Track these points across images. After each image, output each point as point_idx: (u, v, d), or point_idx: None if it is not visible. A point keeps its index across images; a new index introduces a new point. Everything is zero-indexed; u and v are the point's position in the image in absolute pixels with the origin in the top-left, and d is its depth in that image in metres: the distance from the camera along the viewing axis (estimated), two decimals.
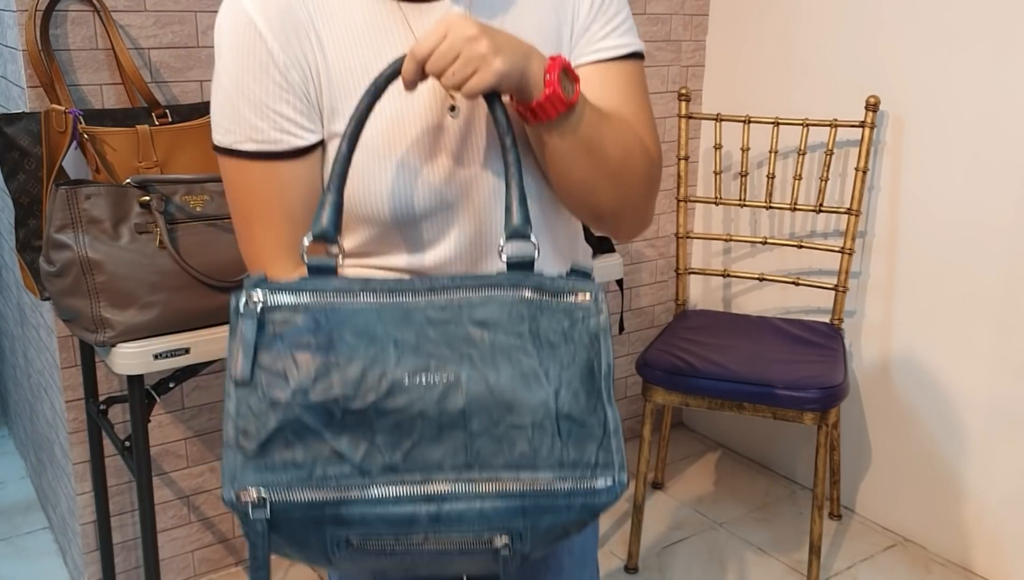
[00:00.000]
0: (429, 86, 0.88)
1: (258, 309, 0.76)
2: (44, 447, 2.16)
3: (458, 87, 0.78)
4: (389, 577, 0.89)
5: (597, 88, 0.93)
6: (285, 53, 0.86)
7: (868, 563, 2.21)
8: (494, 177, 0.90)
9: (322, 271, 0.80)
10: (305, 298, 0.77)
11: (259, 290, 0.77)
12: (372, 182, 0.88)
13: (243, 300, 0.76)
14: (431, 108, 0.88)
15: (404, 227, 0.90)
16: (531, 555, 0.78)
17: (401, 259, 0.92)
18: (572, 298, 0.80)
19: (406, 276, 0.90)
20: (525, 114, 0.84)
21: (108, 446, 1.80)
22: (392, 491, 0.74)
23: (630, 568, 2.15)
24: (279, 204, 0.89)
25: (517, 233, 0.81)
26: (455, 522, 0.75)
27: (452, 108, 0.89)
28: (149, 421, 1.55)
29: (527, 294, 0.79)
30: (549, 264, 0.97)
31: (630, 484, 2.49)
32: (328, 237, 0.80)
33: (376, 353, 0.75)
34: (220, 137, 0.89)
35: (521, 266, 0.81)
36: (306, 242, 0.80)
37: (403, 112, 0.88)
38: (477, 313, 0.77)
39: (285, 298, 0.77)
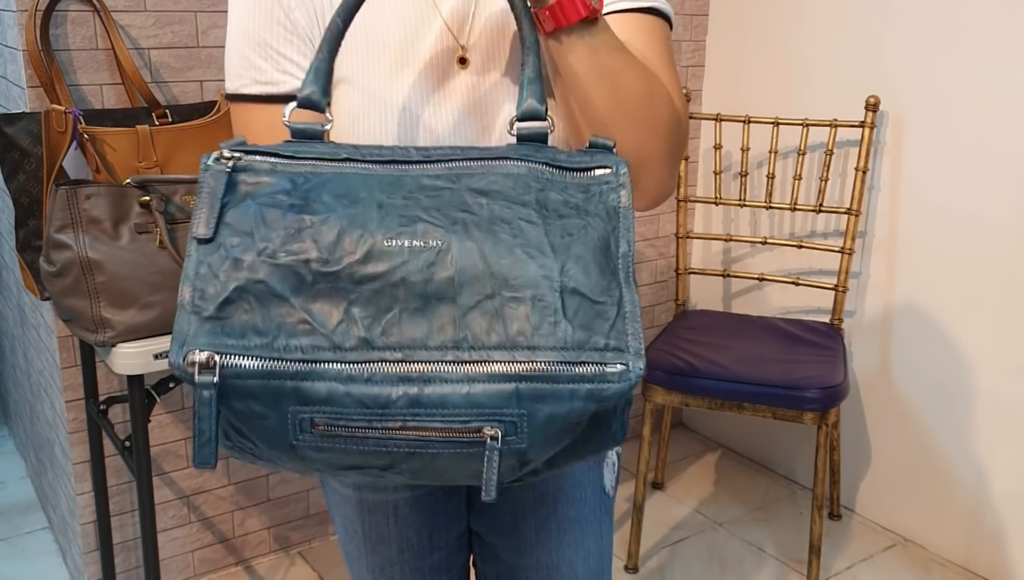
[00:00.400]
0: (437, 35, 0.85)
1: (229, 165, 0.69)
2: (44, 447, 2.16)
3: None
4: (376, 484, 0.78)
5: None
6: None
7: (868, 563, 2.21)
8: (503, 136, 0.85)
9: (307, 136, 0.72)
10: (283, 160, 0.70)
11: (233, 148, 0.70)
12: (371, 127, 0.85)
13: (215, 155, 0.69)
14: (439, 58, 0.86)
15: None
16: (528, 459, 0.68)
17: None
18: (589, 173, 0.70)
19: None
20: (542, 16, 0.76)
21: (108, 446, 1.80)
22: (366, 369, 0.64)
23: (630, 568, 2.14)
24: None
25: (530, 112, 0.74)
26: (437, 406, 0.64)
27: (462, 60, 0.85)
28: (149, 421, 1.55)
29: (536, 165, 0.70)
30: None
31: (631, 484, 2.49)
32: (315, 104, 0.73)
33: (356, 214, 0.66)
34: (228, 84, 0.88)
35: (532, 140, 0.73)
36: (289, 108, 0.74)
37: (407, 58, 0.85)
38: (477, 181, 0.69)
39: (261, 158, 0.70)
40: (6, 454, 2.67)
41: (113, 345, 1.40)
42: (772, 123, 2.27)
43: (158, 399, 1.56)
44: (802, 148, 2.25)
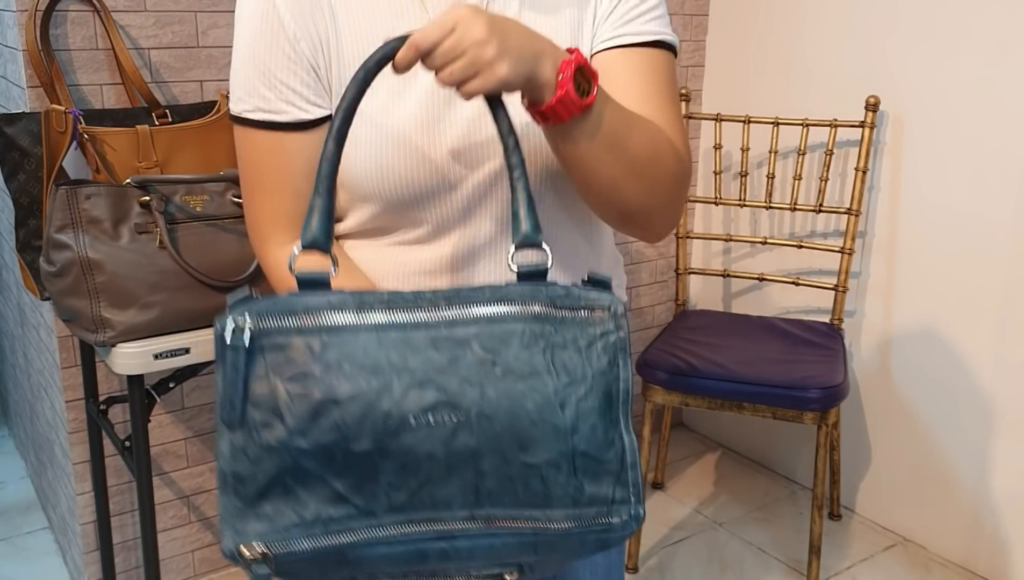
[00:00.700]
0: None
1: (246, 339, 0.68)
2: (44, 447, 2.16)
3: (456, 87, 0.73)
4: None
5: (617, 76, 0.88)
6: (296, 24, 0.86)
7: (868, 563, 2.21)
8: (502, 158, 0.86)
9: (314, 285, 0.72)
10: (297, 321, 0.69)
11: (246, 314, 0.69)
12: (371, 154, 0.87)
13: (230, 326, 0.68)
14: (443, 94, 0.86)
15: (404, 206, 0.88)
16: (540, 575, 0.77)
17: (402, 238, 0.90)
18: (589, 313, 0.73)
19: (406, 268, 0.89)
20: (536, 117, 0.79)
21: (108, 446, 1.80)
22: (399, 531, 0.70)
23: (630, 568, 2.14)
24: (282, 175, 0.88)
25: (527, 241, 0.76)
26: (465, 557, 0.71)
27: None
28: (149, 421, 1.54)
29: (539, 309, 0.72)
30: (561, 272, 0.93)
31: None
32: (320, 245, 0.73)
33: (379, 388, 0.68)
34: (233, 105, 0.90)
35: (533, 276, 0.75)
36: (295, 252, 0.73)
37: (406, 83, 0.86)
38: (486, 335, 0.70)
39: (275, 322, 0.69)
40: (6, 454, 2.67)
41: (113, 345, 1.40)
42: (772, 123, 2.27)
43: (158, 399, 1.56)
44: (802, 148, 2.24)
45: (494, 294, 0.72)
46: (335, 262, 0.75)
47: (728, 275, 2.40)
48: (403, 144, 0.86)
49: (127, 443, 1.60)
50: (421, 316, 0.71)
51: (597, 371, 0.72)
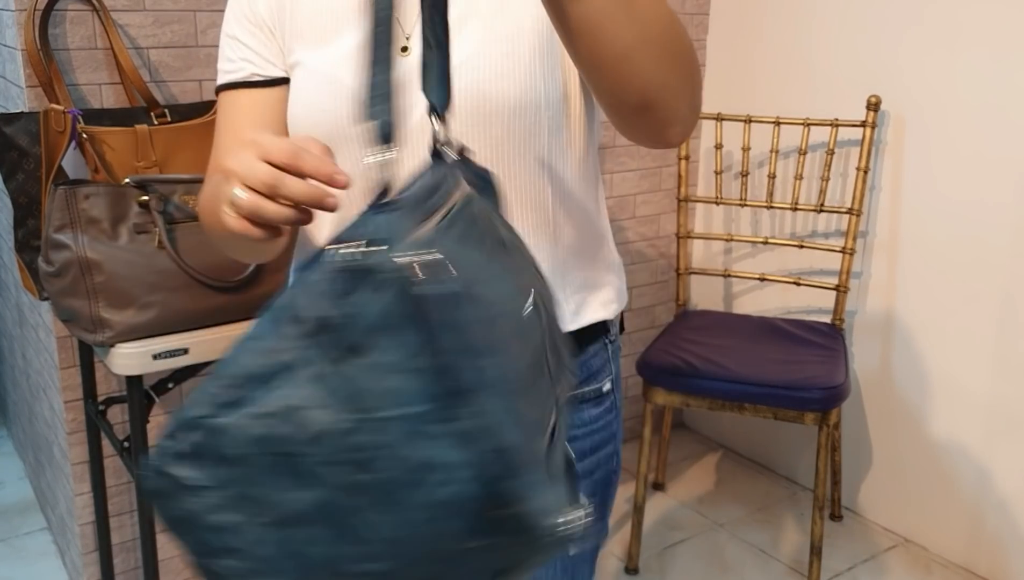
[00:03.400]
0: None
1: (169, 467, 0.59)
2: (43, 448, 2.16)
3: None
4: None
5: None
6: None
7: (869, 564, 2.20)
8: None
9: None
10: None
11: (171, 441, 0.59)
12: (304, 98, 0.89)
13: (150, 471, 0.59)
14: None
15: (335, 147, 0.85)
16: None
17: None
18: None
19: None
20: None
21: (107, 446, 1.80)
22: None
23: (630, 569, 2.14)
24: (237, 132, 0.91)
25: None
26: None
27: (404, 48, 0.86)
28: (148, 421, 1.54)
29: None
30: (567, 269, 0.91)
31: (631, 485, 2.49)
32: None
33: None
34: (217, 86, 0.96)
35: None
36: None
37: (355, 44, 0.86)
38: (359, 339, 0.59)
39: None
40: (5, 455, 2.66)
41: (112, 345, 1.40)
42: (773, 123, 2.26)
43: (157, 399, 1.55)
44: (803, 148, 2.24)
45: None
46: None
47: (729, 275, 2.40)
48: (335, 83, 0.87)
49: (126, 443, 1.60)
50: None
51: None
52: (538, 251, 0.83)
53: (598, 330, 0.94)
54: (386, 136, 0.62)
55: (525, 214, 0.87)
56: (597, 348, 0.94)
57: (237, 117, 0.92)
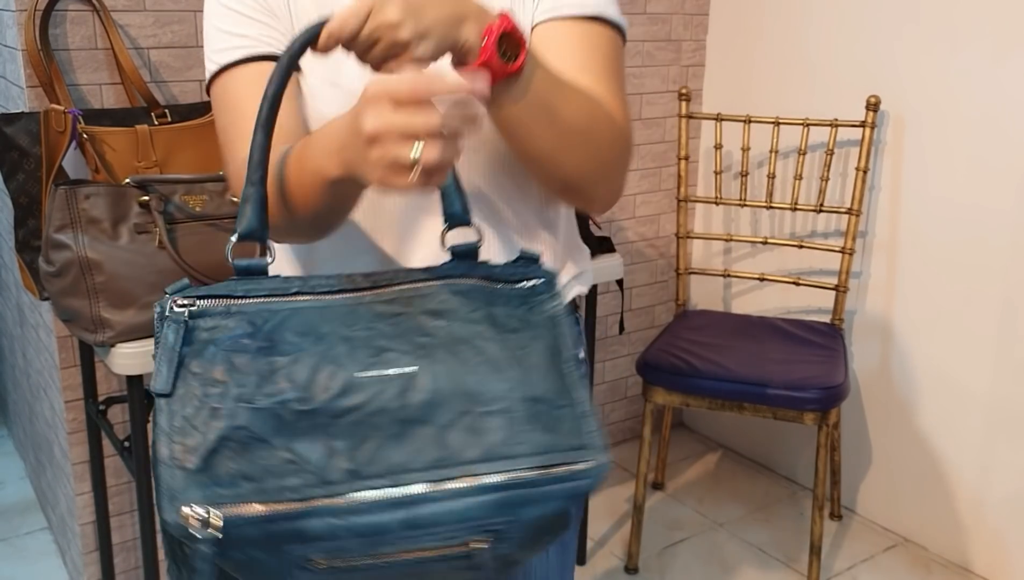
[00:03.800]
0: None
1: (184, 314, 0.69)
2: (43, 447, 2.16)
3: (377, 68, 0.72)
4: None
5: (556, 46, 0.88)
6: None
7: (869, 563, 2.21)
8: None
9: (252, 273, 0.73)
10: (242, 302, 0.70)
11: (183, 296, 0.70)
12: (317, 108, 0.88)
13: (167, 305, 0.69)
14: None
15: None
16: (513, 559, 0.72)
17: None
18: (525, 283, 0.76)
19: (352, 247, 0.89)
20: None
21: (107, 446, 1.80)
22: (359, 497, 0.65)
23: (630, 568, 2.14)
24: (254, 111, 0.86)
25: (457, 220, 0.77)
26: (431, 526, 0.67)
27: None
28: (149, 421, 1.54)
29: (475, 282, 0.74)
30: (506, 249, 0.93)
31: (631, 484, 2.49)
32: (256, 235, 0.74)
33: (324, 350, 0.69)
34: (209, 68, 0.90)
35: (466, 255, 0.77)
36: (232, 240, 0.74)
37: (357, 67, 0.85)
38: (429, 303, 0.72)
39: (214, 303, 0.70)
40: (5, 454, 2.66)
41: (112, 345, 1.40)
42: (773, 123, 2.27)
43: None
44: (803, 148, 2.24)
45: (434, 272, 0.74)
46: (271, 251, 0.76)
47: (728, 275, 2.40)
48: (351, 97, 0.85)
49: (126, 443, 1.60)
50: (365, 294, 0.72)
51: (540, 330, 0.73)
52: (514, 215, 0.92)
53: (570, 307, 1.01)
54: None
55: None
56: (572, 321, 0.99)
57: (256, 95, 0.83)
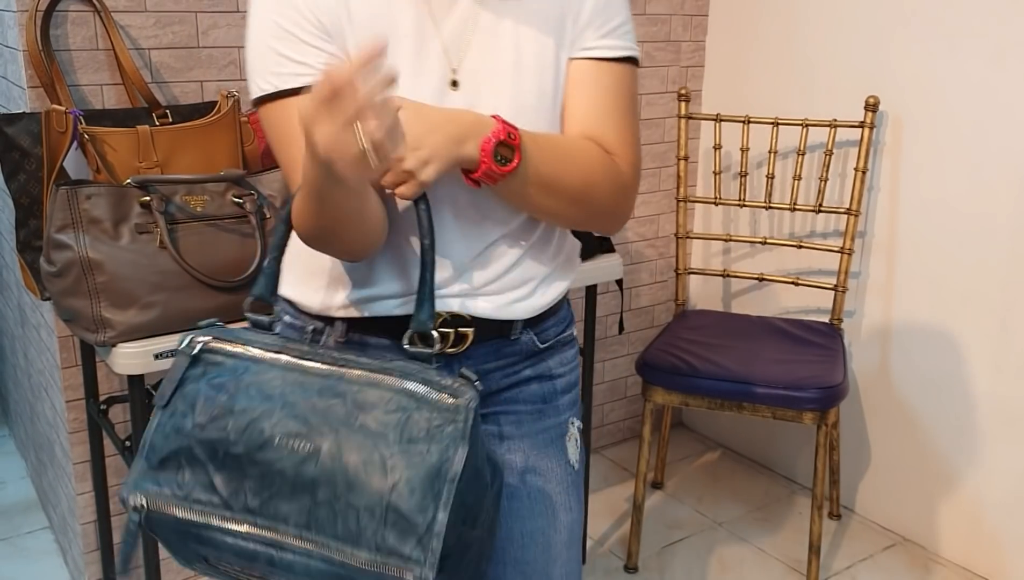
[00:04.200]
0: (434, 56, 0.95)
1: (196, 349, 0.91)
2: (44, 447, 2.16)
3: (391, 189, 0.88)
4: None
5: (587, 87, 1.00)
6: (308, 5, 0.93)
7: (868, 563, 2.21)
8: None
9: (259, 326, 0.95)
10: (239, 348, 0.91)
11: (209, 335, 0.91)
12: None
13: (187, 340, 0.91)
14: (432, 77, 0.95)
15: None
16: None
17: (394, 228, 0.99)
18: (450, 400, 0.86)
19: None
20: (469, 183, 0.92)
21: (108, 446, 1.80)
22: (243, 528, 0.85)
23: (630, 568, 2.15)
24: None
25: (421, 328, 0.92)
26: (286, 570, 0.85)
27: (454, 83, 0.96)
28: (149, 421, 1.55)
29: (411, 387, 0.86)
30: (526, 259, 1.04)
31: (630, 483, 2.49)
32: (265, 300, 0.96)
33: (264, 410, 0.86)
34: (256, 90, 0.95)
35: (418, 358, 0.91)
36: (249, 300, 0.95)
37: (404, 73, 0.93)
38: (361, 395, 0.86)
39: (221, 345, 0.91)
40: (6, 454, 2.67)
41: (113, 345, 1.41)
42: (772, 123, 2.27)
43: None
44: (802, 148, 2.25)
45: (386, 367, 0.88)
46: (276, 315, 0.98)
47: (728, 275, 2.40)
48: None
49: (127, 443, 1.60)
50: (324, 367, 0.88)
51: (437, 447, 0.84)
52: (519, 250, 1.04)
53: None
54: None
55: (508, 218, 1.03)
56: (565, 305, 1.14)
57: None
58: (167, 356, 1.43)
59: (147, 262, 1.41)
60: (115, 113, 1.61)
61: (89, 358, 1.74)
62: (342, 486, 0.82)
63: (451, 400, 0.86)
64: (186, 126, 1.60)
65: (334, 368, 0.88)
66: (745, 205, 2.35)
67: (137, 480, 0.88)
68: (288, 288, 1.06)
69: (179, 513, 0.86)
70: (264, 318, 0.95)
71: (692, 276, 2.70)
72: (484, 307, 1.01)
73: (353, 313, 1.01)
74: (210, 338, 0.91)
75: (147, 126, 1.57)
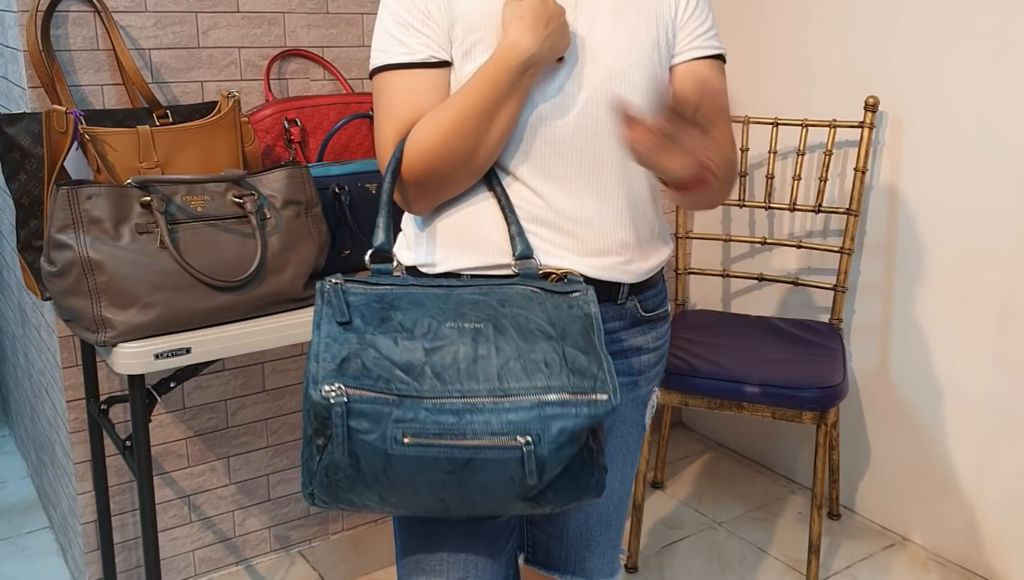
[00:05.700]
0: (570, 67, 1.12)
1: (341, 287, 1.02)
2: (45, 447, 2.16)
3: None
4: (448, 509, 1.02)
5: (696, 81, 1.07)
6: None
7: (867, 562, 2.21)
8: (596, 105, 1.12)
9: (381, 273, 1.07)
10: (371, 286, 1.03)
11: (336, 279, 1.03)
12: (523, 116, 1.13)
13: (326, 283, 1.02)
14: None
15: (539, 145, 1.11)
16: (545, 463, 0.95)
17: (540, 182, 1.12)
18: (568, 295, 1.05)
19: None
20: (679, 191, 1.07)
21: (109, 446, 1.80)
22: (438, 402, 0.94)
23: (629, 567, 2.15)
24: (409, 105, 1.10)
25: (523, 256, 1.09)
26: (485, 424, 0.94)
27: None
28: (150, 421, 1.55)
29: (538, 285, 1.05)
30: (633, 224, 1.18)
31: None
32: (384, 251, 1.08)
33: (424, 311, 1.00)
34: (374, 62, 1.13)
35: (527, 275, 1.09)
36: (369, 252, 1.07)
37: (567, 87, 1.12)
38: (498, 294, 1.04)
39: (356, 285, 1.03)
40: (7, 454, 2.67)
41: (114, 345, 1.41)
42: (771, 123, 2.27)
43: (159, 399, 1.56)
44: (801, 148, 2.25)
45: (506, 280, 1.07)
46: (397, 260, 1.14)
47: (727, 275, 2.41)
48: (528, 104, 1.12)
49: (128, 443, 1.60)
50: (456, 289, 1.04)
51: (577, 317, 1.02)
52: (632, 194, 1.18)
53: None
54: None
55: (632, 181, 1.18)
56: (662, 279, 1.26)
57: (417, 94, 1.10)
58: (167, 356, 1.43)
59: (147, 262, 1.41)
60: (115, 113, 1.61)
61: (89, 358, 1.75)
62: (519, 349, 0.97)
63: (566, 297, 1.04)
64: (186, 126, 1.60)
65: (465, 289, 1.04)
66: (745, 205, 2.36)
67: (320, 380, 0.94)
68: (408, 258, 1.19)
69: (375, 394, 0.93)
70: (387, 266, 1.07)
71: (692, 276, 2.71)
72: (595, 267, 1.13)
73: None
74: (342, 280, 1.03)
75: (147, 126, 1.57)
